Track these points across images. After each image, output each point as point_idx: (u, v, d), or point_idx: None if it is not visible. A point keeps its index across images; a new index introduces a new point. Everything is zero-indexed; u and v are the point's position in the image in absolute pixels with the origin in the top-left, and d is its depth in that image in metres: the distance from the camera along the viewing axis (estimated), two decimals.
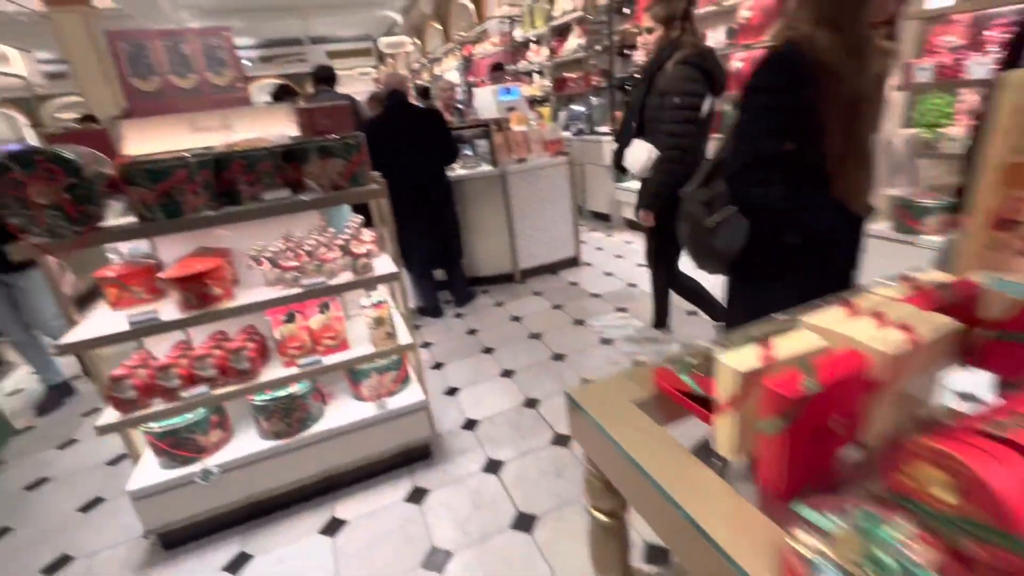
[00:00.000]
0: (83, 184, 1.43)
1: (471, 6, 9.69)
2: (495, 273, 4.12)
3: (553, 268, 4.29)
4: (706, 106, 2.21)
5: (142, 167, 1.48)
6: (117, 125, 1.79)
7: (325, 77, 3.82)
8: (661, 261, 2.71)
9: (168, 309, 1.69)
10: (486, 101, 4.38)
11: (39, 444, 2.66)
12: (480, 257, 4.06)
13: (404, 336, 2.01)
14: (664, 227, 2.36)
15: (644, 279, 3.50)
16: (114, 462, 2.43)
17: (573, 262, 4.35)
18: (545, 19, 6.25)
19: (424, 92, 6.17)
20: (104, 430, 1.63)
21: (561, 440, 2.20)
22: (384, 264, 1.93)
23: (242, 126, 1.92)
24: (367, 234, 2.06)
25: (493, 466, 2.09)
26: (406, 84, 3.43)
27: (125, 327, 1.58)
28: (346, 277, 1.84)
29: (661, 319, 2.96)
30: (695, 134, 2.22)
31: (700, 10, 4.07)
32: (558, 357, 2.91)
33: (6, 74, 4.81)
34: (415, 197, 3.15)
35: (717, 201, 1.40)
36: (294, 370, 1.84)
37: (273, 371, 1.86)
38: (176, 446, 1.78)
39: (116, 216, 1.61)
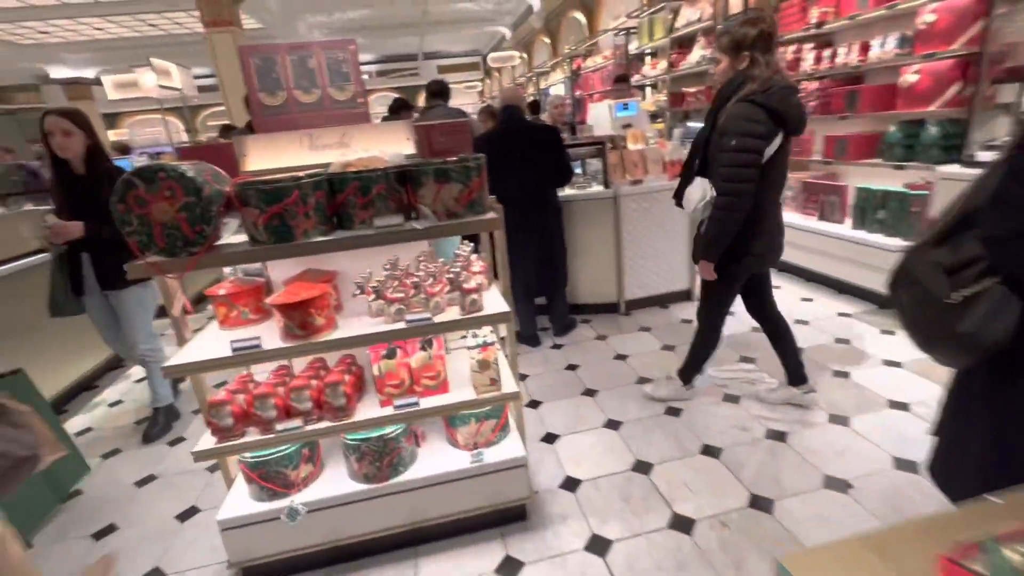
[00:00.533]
0: (201, 203, 1.36)
1: (583, 20, 9.51)
2: (598, 302, 3.81)
3: (663, 301, 3.89)
4: (771, 149, 1.95)
5: (256, 188, 1.39)
6: (241, 141, 1.75)
7: (439, 91, 3.77)
8: (712, 322, 2.40)
9: (271, 334, 1.60)
10: (601, 116, 4.11)
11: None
12: (582, 283, 3.78)
13: (509, 384, 1.78)
14: (722, 282, 2.17)
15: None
16: (214, 468, 2.45)
17: (686, 296, 3.91)
18: (666, 30, 5.87)
19: (534, 106, 6.04)
20: (201, 456, 1.57)
21: (681, 524, 1.84)
22: (495, 301, 1.71)
23: (359, 143, 1.81)
24: (477, 263, 1.86)
25: (598, 545, 1.78)
26: (523, 99, 3.26)
27: (228, 352, 1.50)
28: (453, 313, 1.64)
29: (797, 374, 2.46)
30: (754, 179, 1.95)
31: (869, 14, 3.49)
32: (673, 411, 2.53)
33: (167, 87, 5.39)
34: (523, 218, 2.95)
35: (967, 268, 1.00)
36: (389, 410, 1.67)
37: (368, 408, 1.71)
38: (266, 478, 1.69)
39: (231, 233, 1.55)
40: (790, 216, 4.03)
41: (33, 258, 3.11)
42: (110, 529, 2.12)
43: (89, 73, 13.04)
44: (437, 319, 1.61)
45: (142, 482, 2.42)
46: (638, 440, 2.33)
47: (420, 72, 17.29)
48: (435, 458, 1.85)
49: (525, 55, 13.74)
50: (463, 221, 1.55)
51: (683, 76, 5.96)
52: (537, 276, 3.27)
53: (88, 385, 3.52)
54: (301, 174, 1.45)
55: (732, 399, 2.58)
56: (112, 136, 13.88)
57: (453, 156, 1.77)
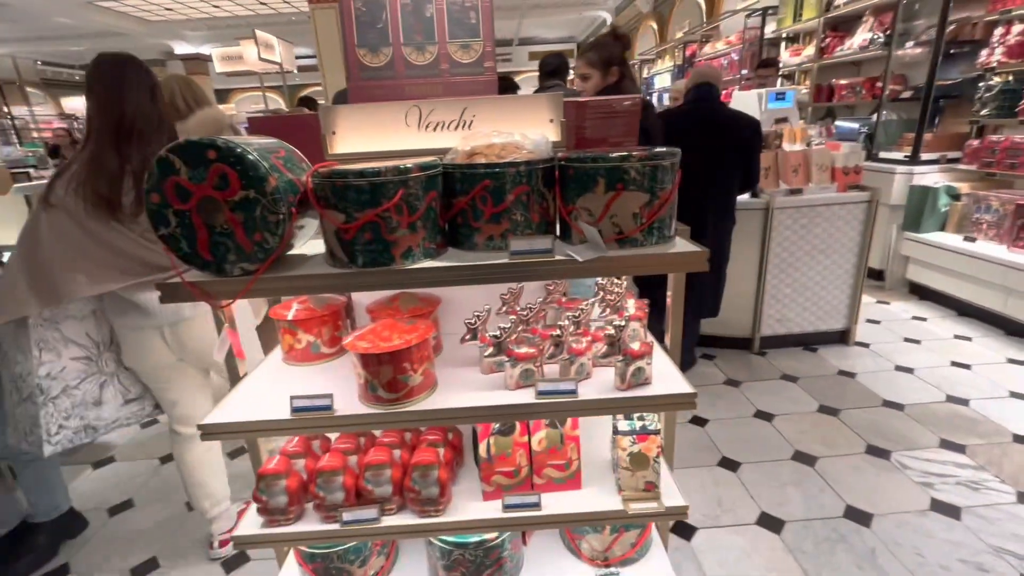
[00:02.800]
0: (264, 200, 0.90)
1: (702, 2, 8.53)
2: (724, 334, 3.12)
3: (808, 342, 3.12)
4: None
5: (342, 180, 0.91)
6: (329, 113, 1.29)
7: (556, 68, 3.17)
8: None
9: (348, 385, 1.13)
10: (748, 108, 3.36)
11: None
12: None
13: (671, 493, 1.20)
14: None
15: (987, 396, 2.20)
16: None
17: (840, 338, 3.11)
18: (820, 9, 4.90)
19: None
20: (243, 543, 1.14)
21: None
22: (667, 374, 1.14)
23: (486, 122, 1.30)
24: (632, 304, 1.30)
25: None
26: (721, 77, 2.64)
27: (285, 414, 1.05)
28: (604, 383, 1.10)
29: None
30: None
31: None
32: (857, 516, 1.84)
33: (268, 60, 5.27)
34: (697, 228, 2.36)
35: None
36: (497, 510, 1.16)
37: (467, 498, 1.21)
38: (324, 574, 1.24)
39: (308, 239, 1.10)
40: (990, 248, 3.10)
41: None
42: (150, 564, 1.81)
43: (206, 50, 13.79)
44: (584, 394, 1.06)
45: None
46: (816, 560, 1.68)
47: (512, 58, 16.85)
48: (546, 572, 1.32)
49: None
50: (646, 252, 0.99)
51: (834, 65, 4.98)
52: (696, 297, 2.65)
53: None
54: (408, 163, 0.96)
55: (949, 511, 1.84)
56: (224, 110, 14.64)
57: (616, 147, 1.23)
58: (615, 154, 0.97)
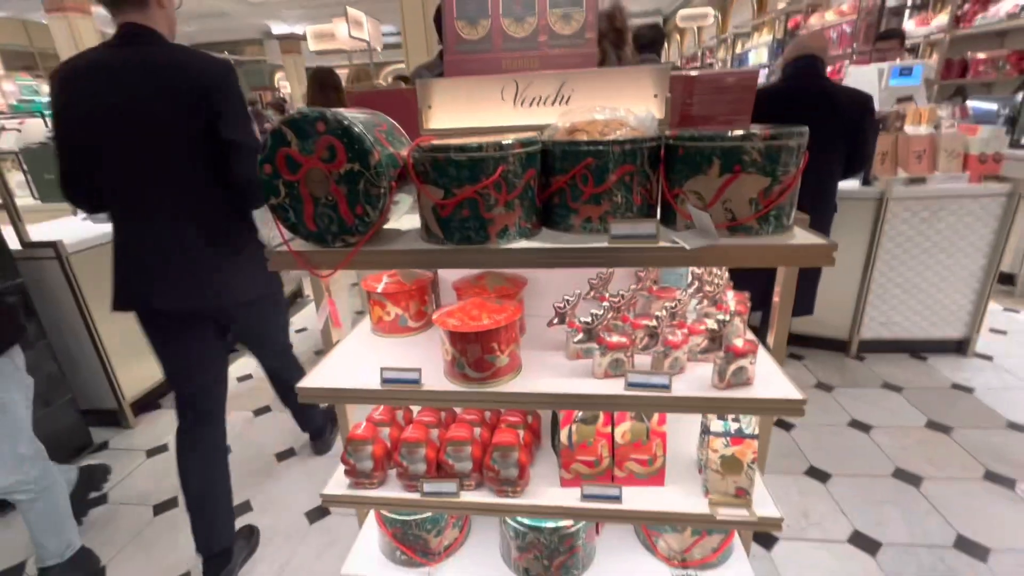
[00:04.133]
0: (367, 173, 0.90)
1: None
2: (817, 333, 2.88)
3: (917, 350, 2.81)
4: None
5: (443, 156, 0.89)
6: (426, 86, 1.28)
7: (651, 40, 2.98)
8: None
9: (435, 360, 1.14)
10: (866, 85, 3.01)
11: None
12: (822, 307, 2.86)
13: (764, 502, 1.12)
14: None
15: None
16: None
17: (957, 348, 2.77)
18: None
19: None
20: (330, 501, 1.21)
21: None
22: (771, 375, 1.05)
23: (584, 96, 1.23)
24: (731, 297, 1.20)
25: None
26: (827, 48, 2.39)
27: (376, 384, 1.07)
28: (698, 379, 1.03)
29: None
30: None
31: None
32: (971, 548, 1.64)
33: (357, 38, 5.42)
34: None
35: None
36: (575, 498, 1.14)
37: (545, 483, 1.20)
38: (403, 540, 1.29)
39: (403, 213, 1.11)
40: None
41: None
42: (246, 506, 1.98)
43: (299, 29, 14.47)
44: (678, 390, 1.00)
45: (282, 456, 2.27)
46: None
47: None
48: (619, 566, 1.29)
49: (719, 14, 11.95)
50: (763, 243, 0.90)
51: (972, 36, 4.34)
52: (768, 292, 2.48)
53: None
54: (509, 139, 0.92)
55: None
56: None
57: (724, 126, 1.13)
58: (734, 133, 0.88)
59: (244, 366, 3.08)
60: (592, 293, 1.23)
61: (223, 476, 1.65)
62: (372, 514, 1.42)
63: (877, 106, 3.02)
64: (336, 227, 0.96)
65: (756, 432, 1.08)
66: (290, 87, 14.96)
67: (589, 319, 1.06)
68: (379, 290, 1.29)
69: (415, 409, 1.35)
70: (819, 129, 2.38)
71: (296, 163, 0.92)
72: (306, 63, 15.08)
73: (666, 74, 1.19)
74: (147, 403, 2.70)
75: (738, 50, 9.63)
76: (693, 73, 1.20)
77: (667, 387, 1.00)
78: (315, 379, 1.13)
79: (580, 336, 1.07)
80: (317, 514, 1.92)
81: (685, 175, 0.94)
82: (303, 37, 14.67)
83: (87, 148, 1.36)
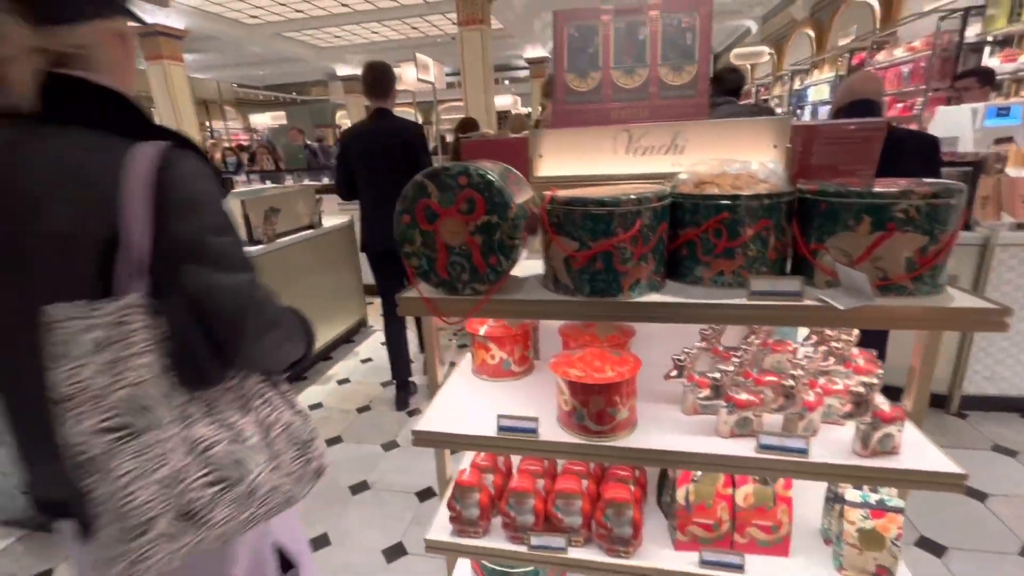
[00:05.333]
0: (505, 224, 0.92)
1: (875, 4, 7.62)
2: None
3: None
4: None
5: (583, 209, 0.90)
6: (538, 136, 1.32)
7: (734, 87, 2.97)
8: None
9: (545, 406, 1.13)
10: (956, 124, 2.88)
11: (370, 432, 2.71)
12: (889, 351, 2.68)
13: None
14: None
15: None
16: (424, 495, 2.20)
17: None
18: None
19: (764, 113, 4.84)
20: (435, 547, 1.19)
21: None
22: (918, 444, 0.98)
23: (699, 147, 1.23)
24: (861, 356, 1.14)
25: None
26: (882, 91, 2.33)
27: (491, 430, 1.07)
28: (833, 443, 0.97)
29: None
30: None
31: None
32: None
33: (424, 80, 5.71)
34: None
35: None
36: (693, 563, 1.08)
37: (656, 543, 1.14)
38: None
39: (519, 260, 1.12)
40: None
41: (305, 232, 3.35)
42: (321, 539, 1.99)
43: (358, 70, 15.43)
44: (816, 455, 0.94)
45: (356, 487, 2.29)
46: None
47: None
48: None
49: (773, 52, 11.88)
50: (924, 304, 0.85)
51: None
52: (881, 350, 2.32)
53: (347, 339, 3.96)
54: (647, 192, 0.92)
55: None
56: None
57: (849, 177, 1.10)
58: (888, 189, 0.85)
59: (313, 395, 3.16)
60: (704, 344, 1.19)
61: (405, 340, 2.91)
62: (465, 562, 1.40)
63: (971, 147, 2.87)
64: (467, 275, 0.98)
65: (901, 505, 1.00)
66: (351, 124, 15.84)
67: (717, 375, 1.02)
68: (482, 332, 1.31)
69: (516, 456, 1.33)
70: (886, 175, 2.26)
71: (434, 214, 0.96)
72: (365, 102, 15.99)
73: (787, 125, 1.17)
74: None
75: (796, 86, 9.50)
76: (816, 124, 1.17)
77: (804, 452, 0.94)
78: (429, 422, 1.13)
79: (706, 392, 1.03)
80: (394, 553, 1.91)
81: (827, 230, 0.91)
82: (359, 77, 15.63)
83: (356, 169, 2.64)
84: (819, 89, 8.49)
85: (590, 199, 0.90)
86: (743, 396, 0.99)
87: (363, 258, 2.90)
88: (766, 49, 10.74)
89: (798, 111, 8.93)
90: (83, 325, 0.62)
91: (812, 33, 9.87)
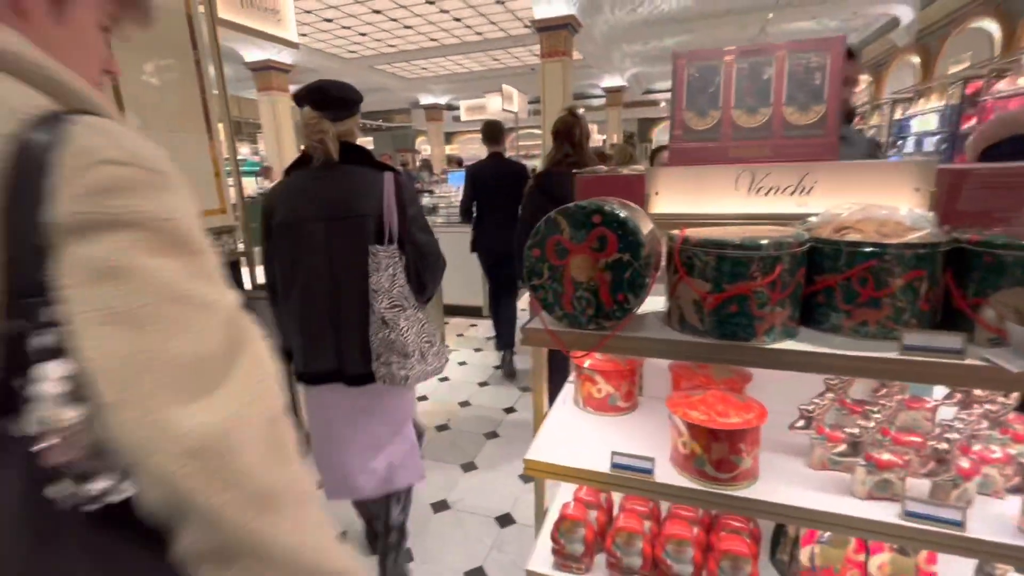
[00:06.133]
0: (636, 263, 0.94)
1: (995, 30, 7.03)
2: None
3: None
4: None
5: (720, 253, 0.89)
6: (655, 174, 1.33)
7: (846, 114, 2.84)
8: None
9: (656, 443, 1.11)
10: None
11: (449, 452, 2.76)
12: None
13: None
14: None
15: None
16: (504, 521, 2.21)
17: None
18: None
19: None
20: None
21: None
22: None
23: (828, 189, 1.19)
24: (1021, 424, 1.03)
25: None
26: None
27: (604, 466, 1.06)
28: (992, 516, 0.87)
29: None
30: None
31: None
32: None
33: (507, 110, 5.93)
34: None
35: None
36: None
37: None
38: None
39: None
40: None
41: None
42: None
43: (442, 100, 16.25)
44: (972, 530, 0.86)
45: (437, 506, 2.34)
46: None
47: None
48: None
49: (871, 79, 11.22)
50: None
51: None
52: None
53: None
54: (786, 236, 0.91)
55: None
56: (447, 150, 17.08)
57: (1003, 224, 1.02)
58: None
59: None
60: (830, 395, 1.13)
61: (515, 311, 3.63)
62: None
63: None
64: (593, 311, 1.00)
65: None
66: (430, 149, 16.63)
67: (855, 430, 0.96)
68: (586, 365, 1.31)
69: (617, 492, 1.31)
70: None
71: (565, 250, 0.99)
72: (445, 128, 16.80)
73: (932, 167, 1.11)
74: None
75: (897, 115, 8.88)
76: (967, 167, 1.10)
77: (959, 524, 0.86)
78: (537, 452, 1.15)
79: (840, 448, 0.98)
80: None
81: (991, 284, 0.85)
82: (446, 107, 16.44)
83: (478, 195, 3.43)
84: (925, 119, 7.88)
85: (727, 241, 0.89)
86: (885, 456, 0.93)
87: (446, 280, 3.01)
88: (863, 76, 10.16)
89: (899, 142, 8.33)
90: (384, 255, 1.38)
91: (917, 59, 9.24)
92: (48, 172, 0.37)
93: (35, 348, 0.37)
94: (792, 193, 1.22)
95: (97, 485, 0.38)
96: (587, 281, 0.99)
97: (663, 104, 17.65)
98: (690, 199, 1.30)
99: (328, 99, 1.37)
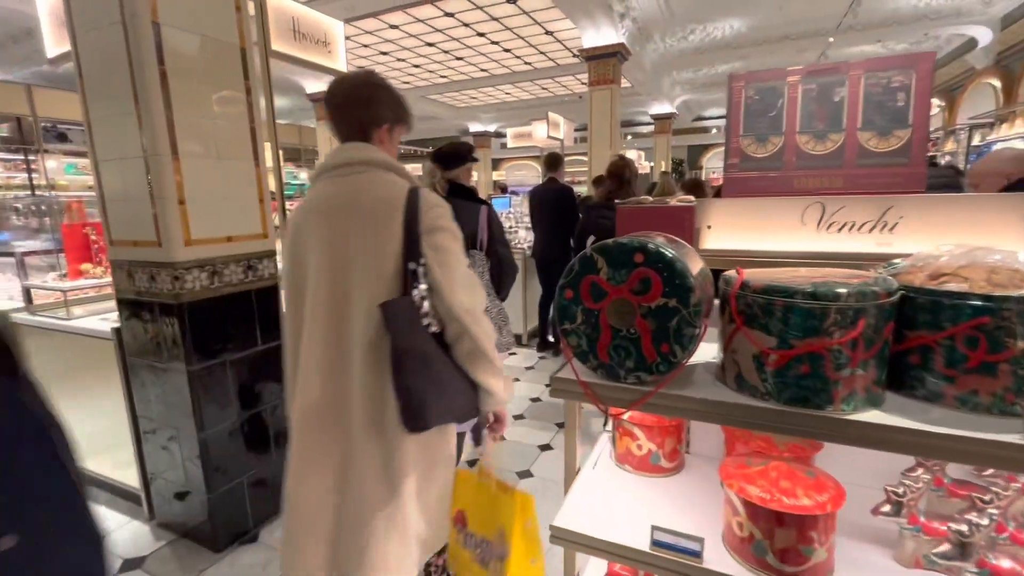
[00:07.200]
0: (686, 310, 0.81)
1: None
2: None
3: None
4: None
5: (783, 302, 0.75)
6: (706, 206, 1.20)
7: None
8: None
9: (705, 515, 0.95)
10: None
11: None
12: None
13: None
14: None
15: None
16: None
17: None
18: None
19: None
20: None
21: None
22: None
23: (915, 225, 1.02)
24: None
25: None
26: None
27: (643, 542, 0.91)
28: None
29: None
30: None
31: None
32: None
33: (553, 137, 5.90)
34: None
35: None
36: None
37: None
38: None
39: None
40: None
41: None
42: None
43: (490, 128, 16.58)
44: None
45: None
46: None
47: None
48: None
49: (943, 103, 10.52)
50: None
51: None
52: None
53: None
54: (867, 280, 0.75)
55: None
56: (494, 176, 17.30)
57: None
58: None
59: None
60: (921, 472, 0.94)
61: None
62: None
63: None
64: (633, 362, 0.87)
65: None
66: (478, 176, 16.95)
67: (964, 528, 0.77)
68: (627, 416, 1.17)
69: None
70: None
71: (602, 291, 0.87)
72: (492, 155, 17.11)
73: None
74: None
75: (976, 141, 8.22)
76: None
77: None
78: (567, 517, 1.01)
79: (944, 548, 0.79)
80: None
81: None
82: (494, 134, 16.76)
83: (534, 213, 4.17)
84: (1008, 145, 7.24)
85: (797, 288, 0.75)
86: (1005, 563, 0.73)
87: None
88: (935, 101, 9.54)
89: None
90: (477, 257, 1.96)
91: (997, 83, 8.58)
92: (418, 207, 1.03)
93: (416, 274, 1.00)
94: (872, 230, 1.05)
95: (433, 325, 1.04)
96: (627, 329, 0.86)
97: (714, 131, 17.28)
98: (747, 234, 1.15)
99: (442, 156, 2.03)
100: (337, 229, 1.03)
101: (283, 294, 1.16)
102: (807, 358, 0.75)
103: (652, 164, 13.21)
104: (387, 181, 1.05)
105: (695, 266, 0.89)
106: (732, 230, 1.17)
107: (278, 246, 2.37)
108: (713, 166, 16.83)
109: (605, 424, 1.33)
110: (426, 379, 0.98)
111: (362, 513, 1.02)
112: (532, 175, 19.01)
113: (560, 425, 3.28)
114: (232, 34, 1.95)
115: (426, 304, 1.00)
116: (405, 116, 1.18)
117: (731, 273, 0.86)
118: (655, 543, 0.91)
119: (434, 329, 1.03)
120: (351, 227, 1.02)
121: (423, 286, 1.00)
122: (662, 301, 0.82)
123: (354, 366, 1.02)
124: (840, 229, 1.07)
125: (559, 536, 0.98)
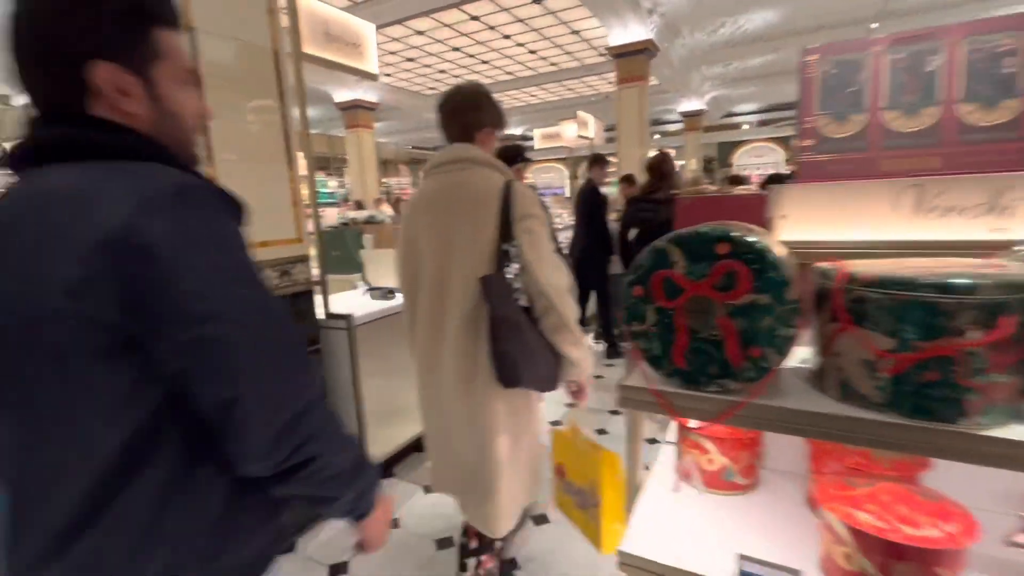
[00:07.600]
0: (780, 310, 0.70)
1: None
2: None
3: None
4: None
5: (910, 297, 0.64)
6: (783, 192, 1.08)
7: None
8: None
9: (789, 550, 0.84)
10: None
11: None
12: None
13: None
14: None
15: None
16: None
17: None
18: None
19: None
20: None
21: None
22: None
23: None
24: None
25: None
26: None
27: (726, 573, 0.80)
28: None
29: None
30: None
31: None
32: None
33: (583, 137, 5.79)
34: None
35: None
36: None
37: None
38: None
39: None
40: None
41: None
42: None
43: (517, 131, 16.54)
44: None
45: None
46: None
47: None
48: None
49: None
50: None
51: None
52: None
53: None
54: (1000, 266, 0.63)
55: None
56: None
57: None
58: None
59: None
60: None
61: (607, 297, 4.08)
62: None
63: None
64: (715, 368, 0.76)
65: None
66: (531, 176, 16.98)
67: None
68: (695, 424, 1.06)
69: None
70: None
71: (677, 288, 0.77)
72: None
73: None
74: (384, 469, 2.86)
75: None
76: None
77: None
78: (635, 543, 0.91)
79: None
80: None
81: None
82: (520, 137, 16.72)
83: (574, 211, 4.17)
84: None
85: (921, 280, 0.64)
86: None
87: None
88: None
89: None
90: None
91: None
92: (512, 197, 1.23)
93: (509, 254, 1.21)
94: (981, 214, 0.92)
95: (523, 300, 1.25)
96: (707, 330, 0.76)
97: (746, 127, 16.81)
98: (832, 223, 1.03)
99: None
100: (442, 216, 1.26)
101: (398, 270, 1.41)
102: (934, 363, 0.64)
103: (683, 163, 12.93)
104: (486, 176, 1.26)
105: (788, 258, 0.78)
106: (811, 220, 1.05)
107: (311, 252, 2.35)
108: (744, 163, 16.37)
109: (666, 435, 1.22)
110: (518, 344, 1.19)
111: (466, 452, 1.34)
112: (560, 178, 18.89)
113: (614, 412, 3.14)
114: (265, 37, 1.93)
115: (517, 282, 1.22)
116: (501, 120, 1.40)
117: (827, 265, 0.75)
118: (744, 574, 0.80)
119: (523, 303, 1.24)
120: (455, 215, 1.25)
121: (515, 265, 1.20)
122: (751, 298, 0.72)
123: (448, 329, 1.27)
124: (942, 214, 0.94)
125: (630, 564, 0.88)
